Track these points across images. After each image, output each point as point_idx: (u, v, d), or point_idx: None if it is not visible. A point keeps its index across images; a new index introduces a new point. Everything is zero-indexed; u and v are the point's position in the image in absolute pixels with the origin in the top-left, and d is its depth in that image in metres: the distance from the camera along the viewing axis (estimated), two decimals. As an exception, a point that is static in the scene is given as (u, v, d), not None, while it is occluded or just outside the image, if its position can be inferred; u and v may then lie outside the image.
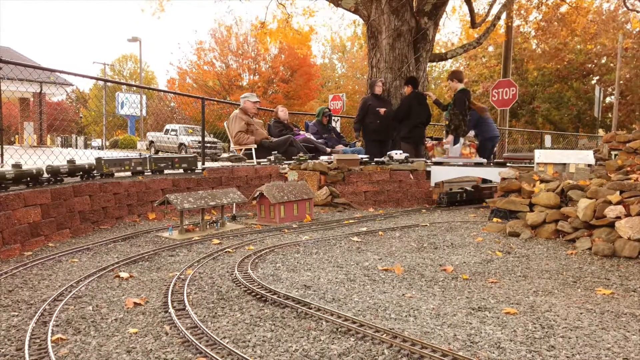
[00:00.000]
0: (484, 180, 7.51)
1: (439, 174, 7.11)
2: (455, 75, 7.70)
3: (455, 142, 7.46)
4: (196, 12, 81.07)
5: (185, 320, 2.41)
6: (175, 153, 20.81)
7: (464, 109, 7.42)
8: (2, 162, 5.74)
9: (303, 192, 5.56)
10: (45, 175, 4.66)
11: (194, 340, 2.13)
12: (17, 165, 4.31)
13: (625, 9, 17.10)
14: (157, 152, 22.56)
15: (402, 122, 8.45)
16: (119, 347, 2.13)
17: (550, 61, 27.04)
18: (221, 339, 2.16)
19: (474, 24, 11.09)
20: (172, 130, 22.84)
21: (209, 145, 17.94)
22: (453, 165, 7.07)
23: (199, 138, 19.14)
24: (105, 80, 27.77)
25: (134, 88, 37.33)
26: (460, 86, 7.52)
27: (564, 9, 14.33)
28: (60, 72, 6.64)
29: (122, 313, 2.54)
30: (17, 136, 26.66)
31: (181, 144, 21.18)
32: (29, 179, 4.42)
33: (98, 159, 5.35)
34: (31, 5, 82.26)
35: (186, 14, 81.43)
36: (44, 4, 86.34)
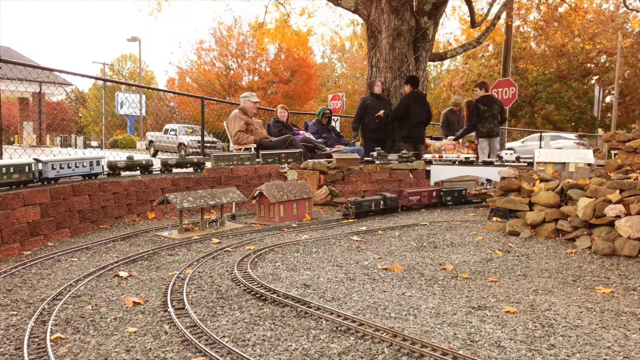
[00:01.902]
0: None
1: (438, 173, 7.11)
2: (481, 85, 8.64)
3: (457, 138, 8.18)
4: (195, 11, 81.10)
5: (184, 320, 2.40)
6: (175, 153, 20.80)
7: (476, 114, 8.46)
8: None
9: (303, 192, 5.56)
10: (106, 169, 5.48)
11: (194, 340, 2.12)
12: (130, 157, 5.77)
13: (625, 8, 17.13)
14: (156, 152, 22.56)
15: (401, 122, 8.44)
16: (118, 346, 2.12)
17: (551, 63, 27.08)
18: (220, 338, 2.15)
19: (473, 24, 11.09)
20: (172, 130, 22.83)
21: (208, 145, 17.92)
22: (449, 163, 7.07)
23: (199, 138, 19.13)
24: (105, 80, 27.72)
25: (134, 88, 37.31)
26: (482, 94, 8.39)
27: (562, 9, 14.33)
28: (60, 71, 6.63)
29: (121, 312, 2.54)
30: (16, 136, 26.64)
31: (181, 144, 21.18)
32: (138, 168, 5.80)
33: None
34: (31, 5, 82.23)
35: (185, 13, 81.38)
36: (44, 4, 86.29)
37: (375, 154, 7.30)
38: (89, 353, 2.05)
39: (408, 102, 8.29)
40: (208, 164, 6.42)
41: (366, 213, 5.53)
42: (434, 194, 6.36)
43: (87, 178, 5.18)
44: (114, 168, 5.49)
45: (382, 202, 5.71)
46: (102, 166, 5.38)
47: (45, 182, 4.60)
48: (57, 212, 4.45)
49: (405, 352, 2.04)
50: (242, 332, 2.27)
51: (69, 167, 4.95)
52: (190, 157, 6.34)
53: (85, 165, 5.18)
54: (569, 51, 27.29)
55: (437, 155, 7.76)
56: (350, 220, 5.39)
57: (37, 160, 4.56)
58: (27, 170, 4.44)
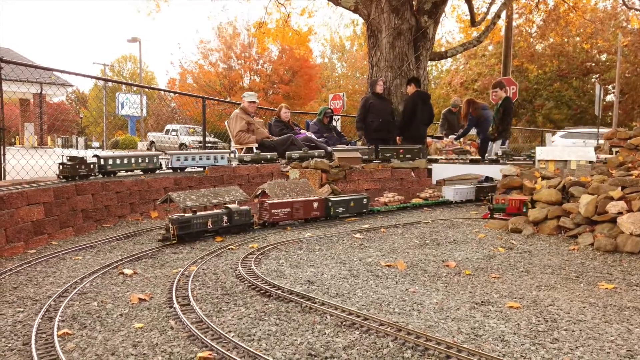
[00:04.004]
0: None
1: (440, 172, 7.12)
2: (500, 85, 8.46)
3: (503, 143, 8.25)
4: (194, 11, 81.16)
5: (190, 315, 2.42)
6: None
7: (512, 115, 8.47)
8: (4, 161, 5.75)
9: (305, 190, 5.57)
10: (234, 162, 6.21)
11: (200, 335, 2.14)
12: (257, 152, 6.65)
13: (624, 7, 17.12)
14: (157, 152, 22.56)
15: (406, 122, 8.46)
16: (125, 341, 2.14)
17: (548, 63, 27.07)
18: (226, 333, 2.17)
19: (473, 23, 11.09)
20: (173, 130, 22.87)
21: (209, 145, 17.95)
22: (454, 163, 7.09)
23: (200, 138, 19.17)
24: (106, 80, 27.75)
25: (135, 88, 37.35)
26: (504, 95, 8.25)
27: (562, 9, 14.34)
28: (62, 71, 6.65)
29: (127, 308, 2.55)
30: (17, 137, 26.67)
31: (182, 144, 21.22)
32: (262, 161, 6.51)
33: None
34: (31, 5, 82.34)
35: (184, 13, 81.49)
36: (44, 4, 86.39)
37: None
38: (96, 348, 2.07)
39: (415, 102, 8.30)
40: (234, 163, 6.68)
41: (198, 234, 4.16)
42: (315, 205, 5.10)
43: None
44: (241, 161, 6.55)
45: (225, 218, 4.36)
46: (226, 159, 6.38)
47: (171, 171, 5.90)
48: (60, 211, 4.47)
49: (409, 346, 2.06)
50: (247, 327, 2.29)
51: (192, 160, 6.08)
52: (263, 153, 6.78)
53: (209, 158, 6.19)
54: (568, 51, 27.29)
55: (443, 156, 7.84)
56: (352, 219, 5.36)
57: (164, 152, 5.99)
58: (154, 160, 5.80)
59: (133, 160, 5.65)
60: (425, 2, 9.34)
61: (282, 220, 4.89)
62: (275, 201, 4.82)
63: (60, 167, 4.93)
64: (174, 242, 3.99)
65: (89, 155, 5.53)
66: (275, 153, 6.97)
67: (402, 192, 6.92)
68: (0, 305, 2.61)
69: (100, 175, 5.32)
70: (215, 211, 4.36)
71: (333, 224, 5.11)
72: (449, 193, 6.55)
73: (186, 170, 6.13)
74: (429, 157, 7.87)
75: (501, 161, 6.96)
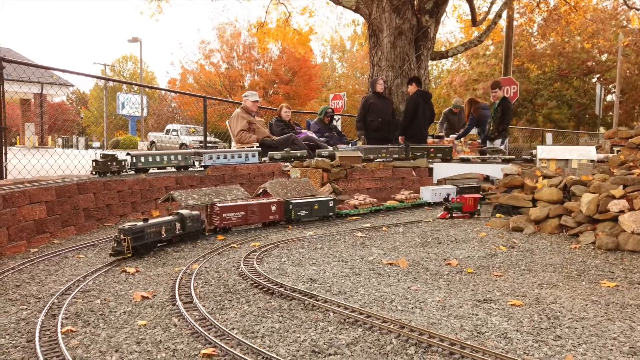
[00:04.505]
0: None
1: (441, 171, 7.12)
2: (498, 85, 8.55)
3: (502, 142, 8.35)
4: (194, 11, 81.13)
5: (193, 313, 2.42)
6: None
7: (511, 114, 8.61)
8: (5, 161, 5.76)
9: (306, 189, 5.58)
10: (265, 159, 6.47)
11: (203, 332, 2.15)
12: (287, 150, 6.84)
13: (625, 7, 17.12)
14: (158, 152, 22.56)
15: (407, 120, 8.47)
16: (129, 338, 2.15)
17: (548, 62, 27.08)
18: (230, 330, 2.18)
19: (474, 22, 11.10)
20: (173, 130, 22.87)
21: (210, 145, 17.97)
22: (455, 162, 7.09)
23: (200, 138, 19.17)
24: (107, 79, 27.78)
25: (135, 88, 37.36)
26: (502, 94, 8.37)
27: (562, 9, 14.34)
28: (63, 71, 6.67)
29: (130, 306, 2.56)
30: (18, 137, 26.69)
31: (182, 144, 21.22)
32: (292, 159, 6.68)
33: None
34: (31, 5, 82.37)
35: (184, 13, 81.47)
36: (44, 5, 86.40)
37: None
38: (100, 345, 2.08)
39: (416, 102, 8.30)
40: (255, 159, 6.81)
41: (153, 244, 3.73)
42: (274, 207, 4.71)
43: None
44: (271, 159, 6.70)
45: (178, 226, 3.95)
46: (257, 157, 6.53)
47: (202, 167, 6.11)
48: (62, 210, 4.47)
49: (413, 343, 2.06)
50: (250, 324, 2.29)
51: (224, 158, 6.29)
52: (293, 151, 6.97)
53: (240, 156, 6.40)
54: (569, 51, 27.29)
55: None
56: (354, 217, 5.36)
57: (197, 151, 6.24)
58: (186, 158, 6.05)
59: (165, 158, 5.91)
60: (426, 1, 9.35)
61: (235, 225, 4.51)
62: (226, 204, 4.43)
63: (93, 163, 5.28)
64: (128, 255, 3.48)
65: (90, 154, 5.61)
66: (305, 151, 7.15)
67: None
68: (4, 303, 2.62)
69: (132, 172, 5.59)
70: (167, 218, 3.92)
71: (335, 223, 5.11)
72: (427, 194, 6.24)
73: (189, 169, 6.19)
74: (461, 157, 7.93)
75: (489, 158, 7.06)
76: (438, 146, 7.52)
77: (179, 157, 6.04)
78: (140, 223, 3.57)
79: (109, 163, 5.30)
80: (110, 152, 6.10)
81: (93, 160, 5.31)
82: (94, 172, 5.27)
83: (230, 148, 9.26)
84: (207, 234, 4.37)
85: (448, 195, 5.55)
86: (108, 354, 1.99)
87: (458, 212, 5.31)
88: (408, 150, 7.44)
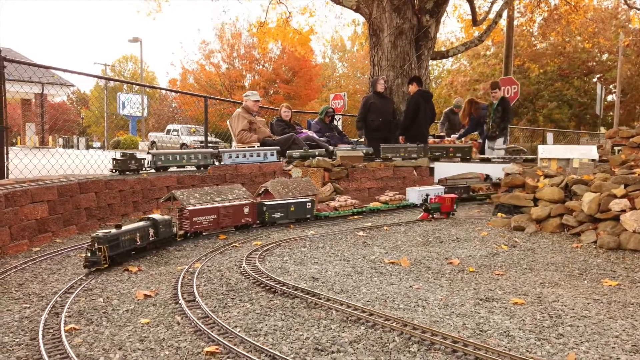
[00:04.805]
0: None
1: (442, 171, 7.12)
2: (498, 86, 8.62)
3: (505, 141, 8.45)
4: (194, 11, 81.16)
5: (196, 311, 2.43)
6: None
7: (512, 113, 8.68)
8: (7, 160, 5.76)
9: (307, 189, 5.58)
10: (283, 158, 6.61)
11: (206, 330, 2.15)
12: (305, 149, 6.99)
13: (626, 6, 17.12)
14: (158, 152, 22.56)
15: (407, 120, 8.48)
16: (132, 336, 2.15)
17: (549, 62, 27.08)
18: (233, 328, 2.18)
19: (475, 22, 11.10)
20: (174, 130, 22.88)
21: (210, 145, 17.98)
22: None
23: (200, 138, 19.20)
24: (109, 79, 27.78)
25: (136, 88, 37.38)
26: (501, 94, 8.46)
27: (563, 9, 14.35)
28: (64, 70, 6.65)
29: (132, 304, 2.56)
30: (18, 137, 26.71)
31: (183, 144, 21.22)
32: (310, 157, 6.67)
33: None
34: (31, 5, 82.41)
35: (184, 13, 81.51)
36: (44, 4, 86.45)
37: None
38: (104, 343, 2.08)
39: (417, 102, 8.31)
40: (274, 158, 6.91)
41: (128, 253, 3.44)
42: (247, 209, 4.48)
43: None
44: (290, 157, 6.78)
45: (151, 232, 3.65)
46: (276, 155, 6.70)
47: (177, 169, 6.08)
48: (64, 209, 4.48)
49: (416, 340, 2.07)
50: (253, 322, 2.29)
51: (244, 157, 6.44)
52: (312, 150, 7.10)
53: (259, 155, 6.53)
54: (569, 51, 27.30)
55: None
56: (355, 217, 5.37)
57: (218, 150, 6.48)
58: (206, 157, 6.20)
59: (185, 157, 6.07)
60: (427, 1, 9.35)
61: (207, 229, 4.24)
62: (196, 207, 4.14)
63: (113, 161, 5.49)
64: (105, 266, 3.15)
65: (91, 154, 5.67)
66: (324, 150, 7.26)
67: (404, 190, 6.90)
68: (7, 301, 2.62)
69: (152, 170, 5.80)
70: (140, 224, 3.61)
71: (336, 222, 5.11)
72: (413, 195, 6.02)
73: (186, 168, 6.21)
74: (481, 156, 7.98)
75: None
76: (458, 146, 7.54)
77: (199, 156, 6.18)
78: (114, 230, 3.28)
79: (129, 161, 5.50)
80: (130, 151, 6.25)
81: (113, 159, 5.54)
82: (113, 170, 5.47)
83: (231, 148, 9.26)
84: (178, 239, 4.03)
85: (427, 196, 5.39)
86: (111, 351, 1.99)
87: (438, 213, 5.22)
88: (427, 149, 7.41)
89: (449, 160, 7.41)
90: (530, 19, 16.26)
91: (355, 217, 5.41)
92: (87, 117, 35.34)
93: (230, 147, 9.56)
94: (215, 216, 4.28)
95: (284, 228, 4.76)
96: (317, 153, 7.02)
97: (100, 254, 3.12)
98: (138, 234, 3.51)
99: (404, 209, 5.94)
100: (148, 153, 5.95)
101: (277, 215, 4.77)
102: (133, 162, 5.55)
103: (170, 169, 5.99)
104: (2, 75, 5.25)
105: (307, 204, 5.00)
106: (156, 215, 3.82)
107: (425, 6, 9.36)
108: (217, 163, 6.37)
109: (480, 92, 26.13)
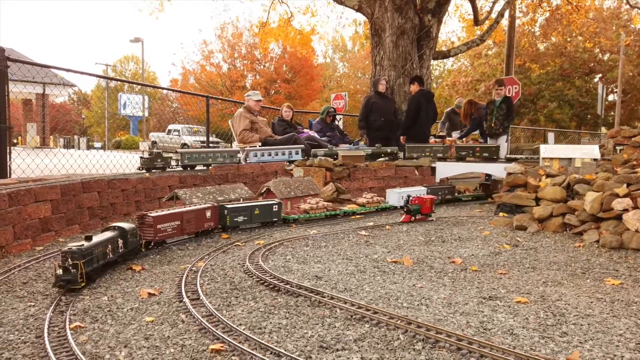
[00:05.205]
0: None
1: (444, 170, 7.12)
2: (503, 83, 8.60)
3: (507, 139, 8.54)
4: (196, 11, 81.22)
5: (200, 309, 2.43)
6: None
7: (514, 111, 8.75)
8: (10, 160, 5.77)
9: (309, 188, 5.59)
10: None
11: (211, 328, 2.16)
12: (329, 149, 7.11)
13: (628, 6, 17.12)
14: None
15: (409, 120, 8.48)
16: (137, 334, 2.16)
17: (550, 62, 27.08)
18: (237, 326, 2.19)
19: (477, 22, 11.11)
20: (175, 130, 22.90)
21: (211, 145, 17.99)
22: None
23: (201, 138, 19.21)
24: (111, 79, 27.83)
25: (137, 88, 37.42)
26: (505, 93, 8.42)
27: (564, 8, 14.35)
28: (67, 70, 6.64)
29: (137, 303, 2.57)
30: (19, 137, 26.75)
31: (184, 144, 21.23)
32: (383, 155, 7.26)
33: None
34: (32, 5, 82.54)
35: (186, 13, 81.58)
36: (45, 4, 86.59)
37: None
38: (109, 340, 2.09)
39: (419, 101, 8.31)
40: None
41: (104, 267, 3.06)
42: (209, 213, 4.20)
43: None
44: (314, 156, 6.77)
45: (120, 242, 3.28)
46: (301, 154, 6.84)
47: (181, 168, 6.16)
48: (67, 209, 4.48)
49: (420, 338, 2.07)
50: (258, 320, 2.30)
51: (269, 155, 6.62)
52: (384, 147, 7.29)
53: (284, 153, 6.71)
54: (570, 51, 27.29)
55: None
56: (357, 216, 5.37)
57: (242, 149, 6.72)
58: (233, 155, 6.42)
59: (211, 156, 6.27)
60: (428, 1, 9.36)
61: (171, 237, 3.87)
62: (160, 214, 3.76)
63: (141, 160, 5.76)
64: (82, 285, 2.73)
65: (93, 154, 5.72)
66: (395, 147, 7.45)
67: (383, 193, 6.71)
68: (12, 299, 2.63)
69: (179, 168, 6.03)
70: (109, 234, 3.20)
71: (338, 222, 5.12)
72: (393, 197, 5.71)
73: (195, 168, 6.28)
74: (508, 156, 7.99)
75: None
76: (484, 145, 7.49)
77: (225, 155, 6.38)
78: (86, 242, 2.87)
79: (155, 160, 5.74)
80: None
81: (140, 157, 5.82)
82: (141, 168, 5.70)
83: (232, 148, 9.27)
84: (142, 250, 3.63)
85: (409, 197, 5.10)
86: (117, 349, 2.00)
87: (419, 214, 5.03)
88: (452, 149, 7.38)
89: (494, 160, 7.32)
90: (532, 18, 16.27)
91: (329, 220, 5.11)
92: (88, 117, 35.40)
93: (232, 146, 9.57)
94: (179, 222, 3.92)
95: (286, 227, 4.76)
96: (339, 152, 7.16)
97: (75, 270, 2.68)
98: (110, 246, 3.12)
99: (383, 211, 5.67)
100: (176, 152, 6.20)
101: (240, 219, 4.46)
102: (159, 160, 5.77)
103: (197, 167, 6.18)
104: (6, 75, 5.26)
105: (274, 206, 4.74)
106: (123, 224, 3.42)
107: (427, 6, 9.37)
108: (243, 162, 6.53)
109: (482, 89, 26.13)
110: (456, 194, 6.60)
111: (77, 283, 2.69)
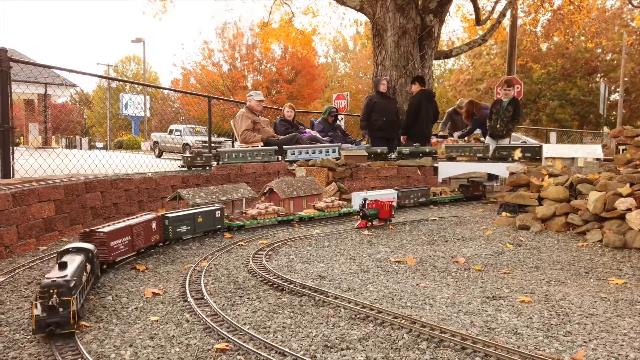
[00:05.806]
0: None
1: (446, 170, 7.12)
2: (511, 83, 8.53)
3: (510, 141, 8.49)
4: (198, 12, 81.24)
5: (204, 309, 2.44)
6: (180, 153, 20.88)
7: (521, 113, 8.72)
8: (13, 160, 5.79)
9: (312, 188, 5.59)
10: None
11: (216, 327, 2.16)
12: (416, 145, 7.33)
13: (630, 6, 17.09)
14: (161, 152, 22.64)
15: (410, 120, 8.48)
16: (142, 333, 2.16)
17: (551, 62, 27.05)
18: (242, 326, 2.19)
19: (478, 21, 11.10)
20: (176, 130, 22.91)
21: (213, 145, 17.99)
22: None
23: (203, 138, 19.23)
24: (112, 79, 27.87)
25: (139, 89, 37.47)
26: (512, 93, 8.39)
27: (566, 8, 14.34)
28: (69, 70, 6.66)
29: (141, 302, 2.58)
30: (22, 137, 26.82)
31: (185, 144, 21.24)
32: (421, 155, 7.24)
33: None
34: (33, 5, 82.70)
35: (188, 14, 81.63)
36: (46, 4, 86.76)
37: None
38: (114, 340, 2.10)
39: (420, 101, 8.31)
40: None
41: (84, 304, 2.34)
42: (154, 225, 3.63)
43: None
44: (400, 154, 7.19)
45: (89, 267, 2.58)
46: (337, 152, 6.93)
47: (288, 162, 6.66)
48: (70, 208, 4.50)
49: (425, 338, 2.08)
50: (262, 319, 2.31)
51: (306, 153, 6.84)
52: (422, 147, 7.40)
53: (321, 152, 6.88)
54: (572, 51, 27.25)
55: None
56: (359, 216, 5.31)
57: (280, 148, 6.88)
58: (273, 153, 6.64)
59: (248, 154, 6.52)
60: (430, 1, 9.35)
61: (122, 255, 3.25)
62: (111, 228, 3.19)
63: (183, 158, 6.08)
64: (75, 327, 2.09)
65: (94, 154, 5.75)
66: (385, 148, 7.46)
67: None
68: (17, 299, 2.64)
69: (218, 164, 6.27)
70: (78, 258, 2.50)
71: (341, 221, 5.12)
72: (357, 201, 5.11)
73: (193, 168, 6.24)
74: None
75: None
76: (527, 146, 7.40)
77: (262, 153, 6.60)
78: (67, 271, 2.21)
79: (194, 158, 6.00)
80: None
81: (182, 156, 6.19)
82: (183, 166, 6.02)
83: (233, 147, 9.29)
84: (100, 274, 2.95)
85: (365, 200, 4.63)
86: (122, 348, 2.01)
87: (376, 220, 4.66)
88: (487, 149, 7.19)
89: (537, 160, 7.27)
90: (534, 18, 16.26)
91: (277, 226, 4.70)
92: (90, 117, 35.47)
93: (233, 146, 9.59)
94: (129, 237, 3.33)
95: (289, 227, 4.76)
96: (425, 150, 7.32)
97: (63, 309, 2.05)
98: (84, 275, 2.46)
99: (346, 216, 5.22)
100: (216, 151, 6.54)
101: (183, 229, 3.93)
102: (199, 159, 6.02)
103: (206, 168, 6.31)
104: (9, 75, 5.27)
105: (217, 212, 4.22)
106: (82, 244, 2.74)
107: (429, 6, 9.37)
108: (280, 159, 6.70)
109: (484, 85, 26.09)
110: (431, 196, 6.26)
111: (70, 325, 2.05)
